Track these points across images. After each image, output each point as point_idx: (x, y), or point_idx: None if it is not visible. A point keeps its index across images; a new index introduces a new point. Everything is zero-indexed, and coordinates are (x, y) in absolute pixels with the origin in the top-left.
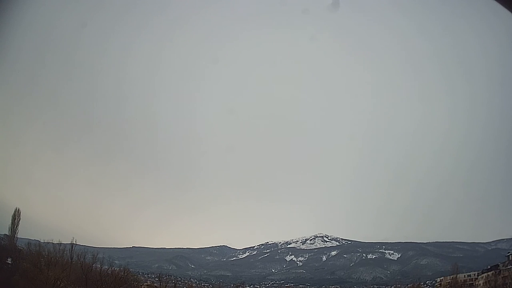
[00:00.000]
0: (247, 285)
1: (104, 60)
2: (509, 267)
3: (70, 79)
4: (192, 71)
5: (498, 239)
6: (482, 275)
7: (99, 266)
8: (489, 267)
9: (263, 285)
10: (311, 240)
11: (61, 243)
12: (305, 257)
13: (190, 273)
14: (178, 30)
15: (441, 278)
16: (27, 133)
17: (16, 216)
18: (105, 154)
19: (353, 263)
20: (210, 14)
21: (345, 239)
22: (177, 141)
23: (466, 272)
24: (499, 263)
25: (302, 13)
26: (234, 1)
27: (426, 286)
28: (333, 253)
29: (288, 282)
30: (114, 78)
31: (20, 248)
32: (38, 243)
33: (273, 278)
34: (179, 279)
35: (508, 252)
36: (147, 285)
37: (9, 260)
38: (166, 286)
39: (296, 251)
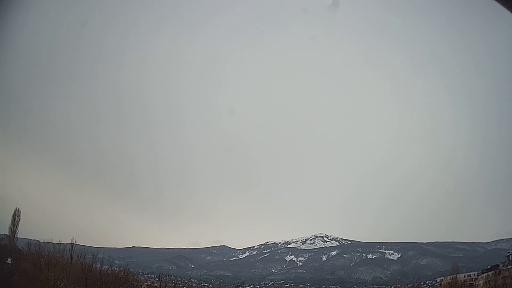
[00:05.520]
0: (247, 285)
1: (101, 58)
2: (509, 267)
3: (66, 87)
4: (192, 71)
5: (498, 239)
6: (482, 275)
7: (99, 266)
8: (489, 267)
9: (263, 285)
10: (311, 240)
11: (61, 243)
12: (305, 257)
13: (190, 273)
14: (178, 30)
15: (441, 278)
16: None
17: (16, 216)
18: (104, 155)
19: (353, 263)
20: (209, 13)
21: (345, 239)
22: (177, 141)
23: (466, 272)
24: (499, 263)
25: (302, 13)
26: (233, 1)
27: (426, 286)
28: (333, 253)
29: (288, 282)
30: (113, 77)
31: (20, 248)
32: (38, 243)
33: (273, 278)
34: (179, 279)
35: (508, 252)
36: (147, 285)
37: (9, 260)
38: (166, 286)
39: (296, 251)
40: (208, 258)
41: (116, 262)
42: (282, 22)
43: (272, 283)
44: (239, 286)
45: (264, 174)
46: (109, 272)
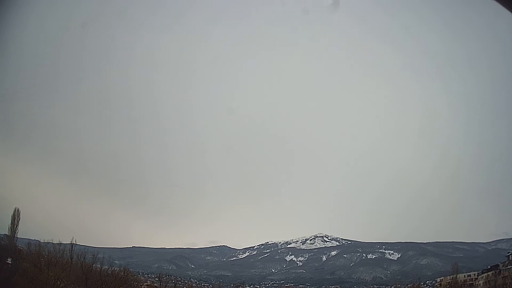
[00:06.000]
0: (247, 285)
1: (107, 60)
2: (509, 267)
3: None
4: (191, 71)
5: (498, 239)
6: (482, 275)
7: (99, 266)
8: (489, 267)
9: (263, 285)
10: (311, 240)
11: (61, 243)
12: (305, 257)
13: (190, 273)
14: (177, 30)
15: (441, 278)
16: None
17: (16, 216)
18: (104, 155)
19: (353, 263)
20: (210, 14)
21: (345, 239)
22: (177, 141)
23: (466, 272)
24: (499, 263)
25: (302, 13)
26: (234, 1)
27: (426, 286)
28: (333, 253)
29: (288, 282)
30: (115, 77)
31: (20, 248)
32: (38, 243)
33: (273, 278)
34: (179, 279)
35: (508, 252)
36: (147, 285)
37: (9, 260)
38: (166, 286)
39: (296, 251)
40: (208, 258)
41: (116, 262)
42: (282, 21)
43: (272, 283)
44: (239, 286)
45: (264, 174)
46: (109, 272)
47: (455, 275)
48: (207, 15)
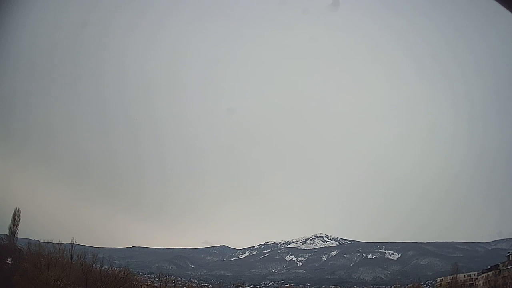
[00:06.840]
0: (247, 285)
1: (104, 60)
2: (509, 267)
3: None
4: (192, 71)
5: (498, 239)
6: (482, 275)
7: (99, 266)
8: (489, 267)
9: (263, 285)
10: (311, 240)
11: (61, 243)
12: (305, 257)
13: (190, 273)
14: (177, 30)
15: (441, 278)
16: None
17: (16, 216)
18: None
19: (353, 263)
20: (209, 13)
21: (345, 239)
22: (177, 141)
23: (466, 272)
24: (499, 263)
25: (302, 13)
26: (234, 1)
27: (426, 286)
28: (333, 253)
29: (288, 282)
30: (113, 79)
31: (20, 248)
32: (38, 243)
33: (273, 278)
34: (179, 279)
35: (508, 252)
36: (147, 285)
37: (9, 260)
38: (166, 286)
39: (296, 251)
40: (208, 258)
41: (116, 262)
42: (282, 21)
43: (272, 283)
44: (239, 286)
45: (264, 174)
46: (109, 272)
47: (455, 275)
48: (206, 15)
